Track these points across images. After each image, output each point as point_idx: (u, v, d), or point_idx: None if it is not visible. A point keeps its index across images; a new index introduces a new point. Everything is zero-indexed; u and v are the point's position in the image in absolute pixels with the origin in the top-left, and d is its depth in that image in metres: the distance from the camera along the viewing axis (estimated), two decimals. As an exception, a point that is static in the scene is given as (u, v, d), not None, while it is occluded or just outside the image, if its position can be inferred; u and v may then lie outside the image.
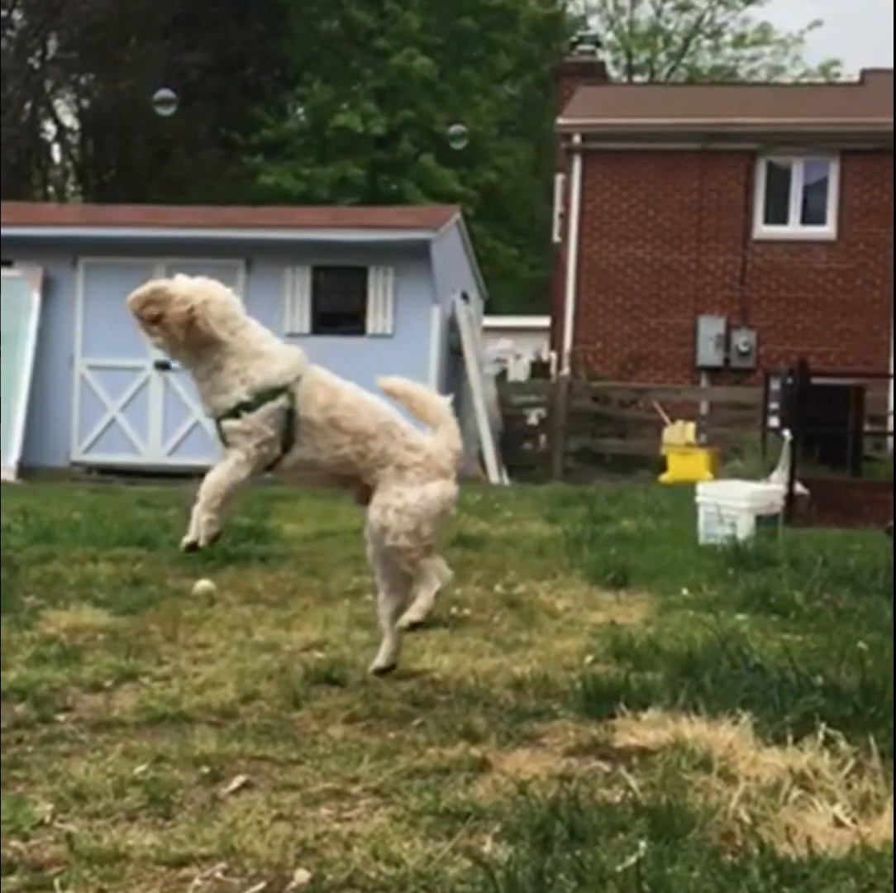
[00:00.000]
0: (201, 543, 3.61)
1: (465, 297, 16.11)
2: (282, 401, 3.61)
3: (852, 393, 11.59)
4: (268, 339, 3.77)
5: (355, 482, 3.76)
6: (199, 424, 14.95)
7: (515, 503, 10.05)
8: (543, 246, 28.28)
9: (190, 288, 3.62)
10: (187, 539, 3.63)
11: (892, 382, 16.45)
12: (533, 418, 18.20)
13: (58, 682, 3.90)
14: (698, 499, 7.60)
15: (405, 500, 3.60)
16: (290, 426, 3.62)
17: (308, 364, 3.75)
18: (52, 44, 31.93)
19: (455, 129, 17.60)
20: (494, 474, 14.81)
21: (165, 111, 14.88)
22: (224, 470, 3.63)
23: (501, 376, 19.30)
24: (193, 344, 3.61)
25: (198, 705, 3.62)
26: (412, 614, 3.62)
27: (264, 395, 3.59)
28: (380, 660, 3.84)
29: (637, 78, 40.62)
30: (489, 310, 20.96)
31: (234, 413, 3.60)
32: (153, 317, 3.58)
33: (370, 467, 3.66)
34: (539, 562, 6.63)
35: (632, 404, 17.30)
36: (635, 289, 19.33)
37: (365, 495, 3.75)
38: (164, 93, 14.68)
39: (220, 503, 3.60)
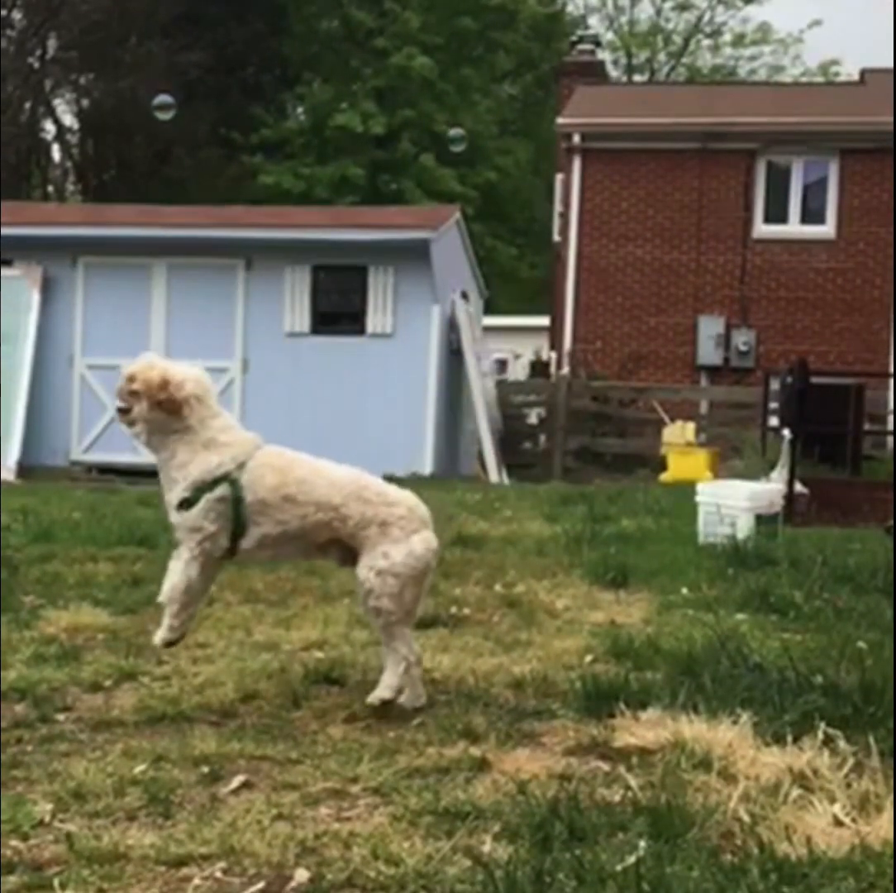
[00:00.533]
0: (156, 642, 3.75)
1: (464, 296, 16.11)
2: (221, 491, 3.63)
3: (852, 392, 11.59)
4: (228, 429, 3.76)
5: (336, 546, 3.77)
6: (199, 423, 14.98)
7: (515, 503, 10.04)
8: (543, 245, 28.28)
9: (174, 372, 3.69)
10: (160, 637, 3.72)
11: (891, 381, 16.45)
12: (533, 418, 18.20)
13: (57, 681, 3.90)
14: (698, 498, 7.59)
15: (392, 559, 3.60)
16: (238, 514, 3.65)
17: (258, 449, 3.75)
18: (52, 43, 31.93)
19: (454, 132, 17.61)
20: (494, 474, 14.82)
21: (164, 116, 14.89)
22: (177, 573, 3.69)
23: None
24: (162, 429, 3.67)
25: (197, 704, 3.63)
26: (382, 692, 3.56)
27: (203, 488, 3.63)
28: (383, 691, 3.63)
29: (637, 77, 40.63)
30: (489, 309, 20.96)
31: (179, 508, 3.66)
32: (134, 392, 3.67)
33: (352, 531, 3.67)
34: (539, 561, 6.63)
35: (631, 404, 17.30)
36: (635, 288, 19.33)
37: (344, 557, 3.78)
38: (163, 98, 14.70)
39: (179, 609, 3.69)
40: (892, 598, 5.04)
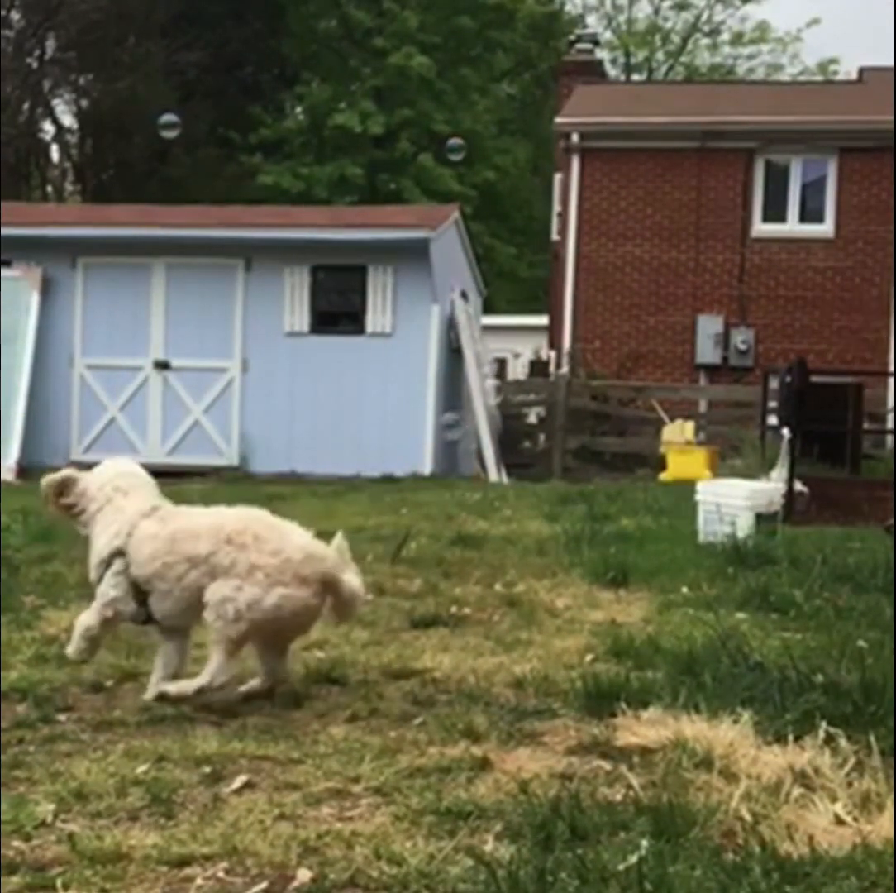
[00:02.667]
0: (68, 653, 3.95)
1: (464, 295, 16.10)
2: (117, 565, 3.83)
3: (851, 391, 11.59)
4: (127, 507, 3.90)
5: None
6: (199, 423, 14.98)
7: (515, 502, 10.05)
8: (542, 245, 28.28)
9: (90, 477, 4.00)
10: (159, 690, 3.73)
11: (890, 379, 16.46)
12: (532, 417, 18.20)
13: (59, 682, 3.90)
14: (698, 497, 7.60)
15: (239, 595, 3.58)
16: (136, 582, 3.81)
17: (144, 517, 3.85)
18: (51, 44, 31.89)
19: (453, 142, 17.64)
20: (493, 473, 14.82)
21: (170, 134, 14.89)
22: (81, 619, 3.94)
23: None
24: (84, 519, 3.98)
25: (198, 704, 3.62)
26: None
27: (101, 564, 3.88)
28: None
29: (635, 76, 40.59)
30: (488, 309, 20.96)
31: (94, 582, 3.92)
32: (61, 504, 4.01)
33: (226, 552, 3.66)
34: (539, 561, 6.63)
35: (631, 403, 17.30)
36: (634, 287, 19.33)
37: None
38: (169, 117, 14.73)
39: (81, 645, 3.89)
40: (892, 597, 5.04)
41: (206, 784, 2.95)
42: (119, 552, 3.81)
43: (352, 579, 3.77)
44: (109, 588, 3.82)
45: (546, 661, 4.19)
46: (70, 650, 3.91)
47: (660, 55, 42.12)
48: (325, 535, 8.06)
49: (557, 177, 20.85)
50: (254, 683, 3.77)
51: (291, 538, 3.71)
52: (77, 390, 15.22)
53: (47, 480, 4.00)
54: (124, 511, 3.86)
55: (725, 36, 41.71)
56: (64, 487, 3.99)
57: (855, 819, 2.65)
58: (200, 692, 3.58)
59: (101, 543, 3.86)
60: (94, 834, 2.60)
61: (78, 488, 3.97)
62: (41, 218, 17.28)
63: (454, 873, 2.39)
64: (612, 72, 35.38)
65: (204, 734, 3.31)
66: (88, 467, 4.18)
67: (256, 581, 3.58)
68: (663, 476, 13.85)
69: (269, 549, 3.62)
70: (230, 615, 3.56)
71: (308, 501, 10.34)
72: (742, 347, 18.78)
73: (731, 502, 7.40)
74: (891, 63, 20.95)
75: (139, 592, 3.78)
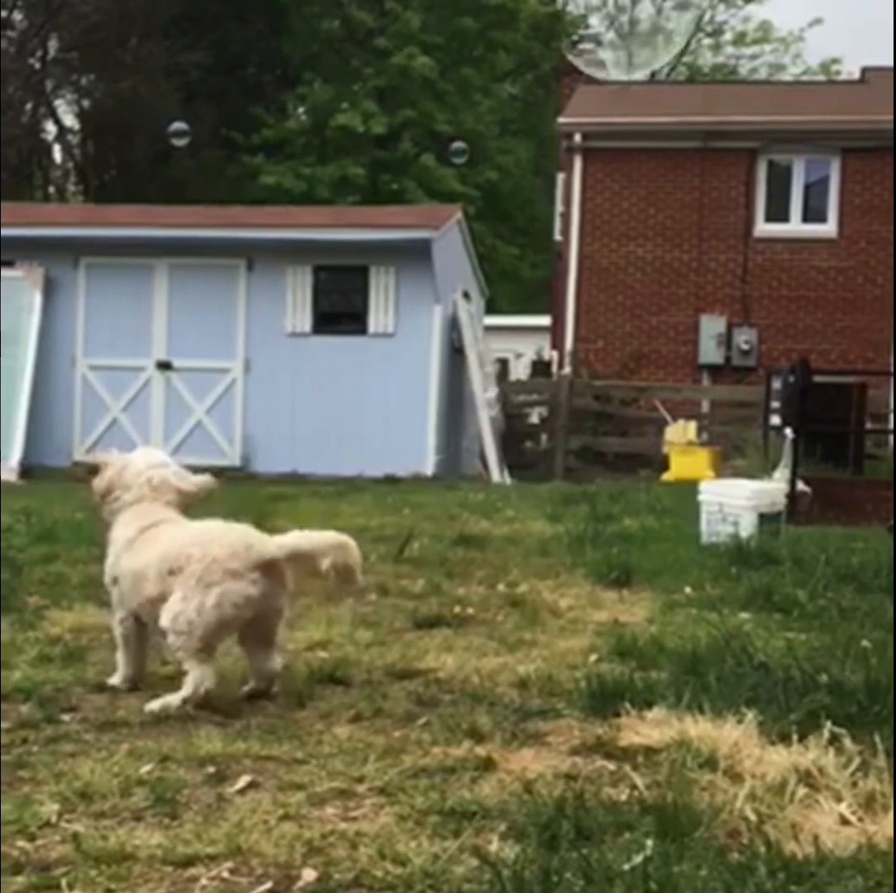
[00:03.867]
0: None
1: (466, 296, 16.10)
2: (115, 592, 3.99)
3: (854, 391, 11.58)
4: (131, 523, 3.99)
5: None
6: (201, 423, 14.98)
7: (517, 502, 10.05)
8: (544, 245, 28.28)
9: (121, 461, 4.12)
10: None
11: (893, 379, 16.44)
12: (534, 417, 18.19)
13: (62, 682, 3.90)
14: (701, 497, 7.59)
15: (184, 605, 3.64)
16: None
17: (125, 549, 3.92)
18: (53, 44, 31.92)
19: (456, 145, 17.65)
20: (496, 473, 14.81)
21: (180, 142, 14.91)
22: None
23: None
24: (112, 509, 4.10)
25: (203, 705, 3.62)
26: (152, 703, 3.62)
27: (110, 582, 4.01)
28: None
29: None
30: (490, 309, 20.96)
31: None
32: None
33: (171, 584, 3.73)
34: (541, 561, 6.63)
35: (633, 403, 17.29)
36: (636, 287, 19.33)
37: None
38: (179, 125, 14.75)
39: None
40: (893, 597, 5.04)
41: (210, 784, 2.95)
42: (115, 581, 3.96)
43: (318, 546, 3.76)
44: (117, 606, 3.97)
45: (550, 661, 4.19)
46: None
47: (662, 55, 42.05)
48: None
49: (560, 177, 20.86)
50: (250, 685, 3.79)
51: (223, 540, 3.74)
52: (79, 391, 15.23)
53: (89, 458, 4.09)
54: (116, 542, 3.97)
55: (728, 36, 41.76)
56: (97, 471, 4.07)
57: (860, 820, 2.64)
58: (186, 702, 3.60)
59: (108, 561, 3.99)
60: (99, 834, 2.60)
61: (108, 474, 4.05)
62: (44, 218, 17.29)
63: (459, 873, 2.39)
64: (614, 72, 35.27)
65: (208, 735, 3.30)
66: (90, 467, 4.20)
67: (191, 588, 3.64)
68: (666, 477, 13.85)
69: (197, 557, 3.69)
70: (184, 627, 3.62)
71: (310, 501, 10.34)
72: (745, 347, 18.77)
73: (733, 503, 7.40)
74: (892, 63, 20.92)
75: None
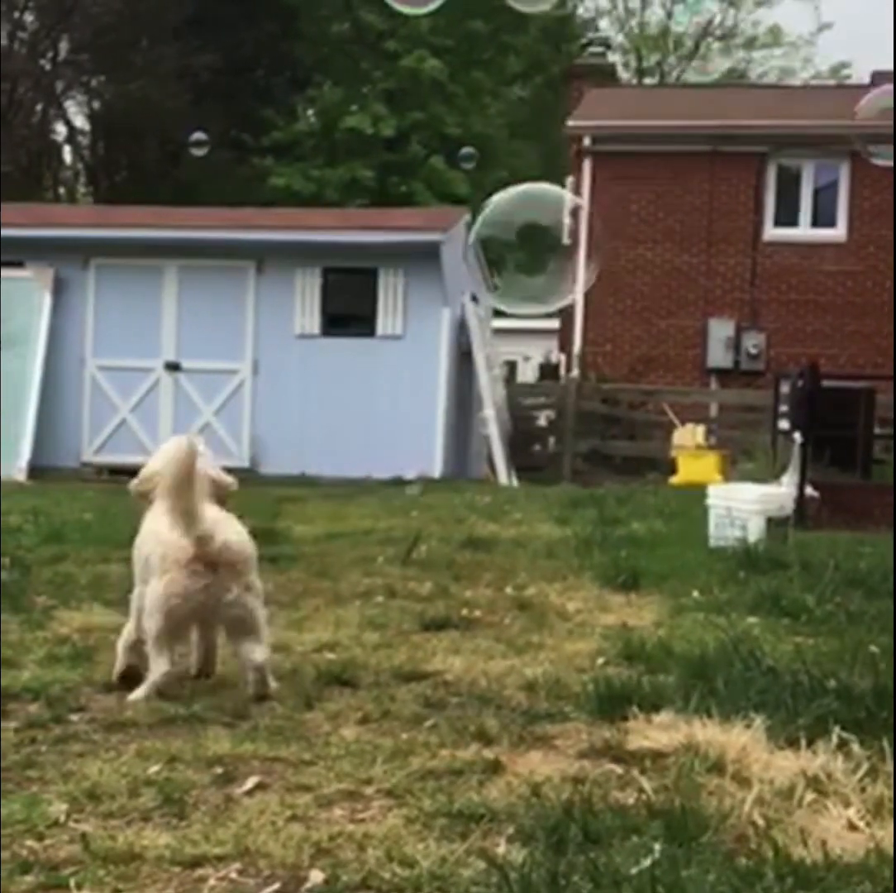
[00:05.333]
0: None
1: (474, 298, 16.10)
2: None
3: (863, 396, 11.55)
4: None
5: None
6: (210, 424, 14.99)
7: (525, 505, 10.04)
8: (553, 248, 28.20)
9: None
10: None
11: (902, 384, 16.40)
12: (542, 420, 18.18)
13: (71, 682, 3.91)
14: (709, 501, 7.59)
15: (148, 590, 3.80)
16: None
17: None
18: (64, 46, 31.99)
19: (465, 151, 17.65)
20: (503, 476, 14.81)
21: (199, 152, 14.96)
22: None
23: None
24: None
25: (210, 705, 3.63)
26: (132, 694, 3.73)
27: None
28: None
29: (647, 80, 40.58)
30: (498, 312, 20.92)
31: None
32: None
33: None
34: (549, 564, 6.63)
35: (641, 406, 17.28)
36: (645, 291, 19.31)
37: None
38: (198, 135, 14.78)
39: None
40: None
41: (218, 784, 2.95)
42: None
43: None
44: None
45: (557, 664, 4.19)
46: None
47: (672, 59, 42.10)
48: (336, 536, 8.07)
49: (569, 180, 20.84)
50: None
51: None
52: (88, 391, 15.25)
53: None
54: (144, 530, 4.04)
55: (738, 40, 41.69)
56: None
57: (868, 825, 2.64)
58: (153, 688, 3.72)
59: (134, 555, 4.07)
60: (107, 834, 2.61)
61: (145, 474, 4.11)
62: (54, 219, 17.33)
63: (466, 875, 2.39)
64: (624, 75, 35.35)
65: (216, 735, 3.31)
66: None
67: (154, 574, 3.80)
68: (674, 480, 13.83)
69: (159, 553, 3.81)
70: (147, 609, 3.77)
71: (318, 503, 10.35)
72: (753, 351, 18.75)
73: (742, 507, 7.39)
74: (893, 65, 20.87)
75: None
